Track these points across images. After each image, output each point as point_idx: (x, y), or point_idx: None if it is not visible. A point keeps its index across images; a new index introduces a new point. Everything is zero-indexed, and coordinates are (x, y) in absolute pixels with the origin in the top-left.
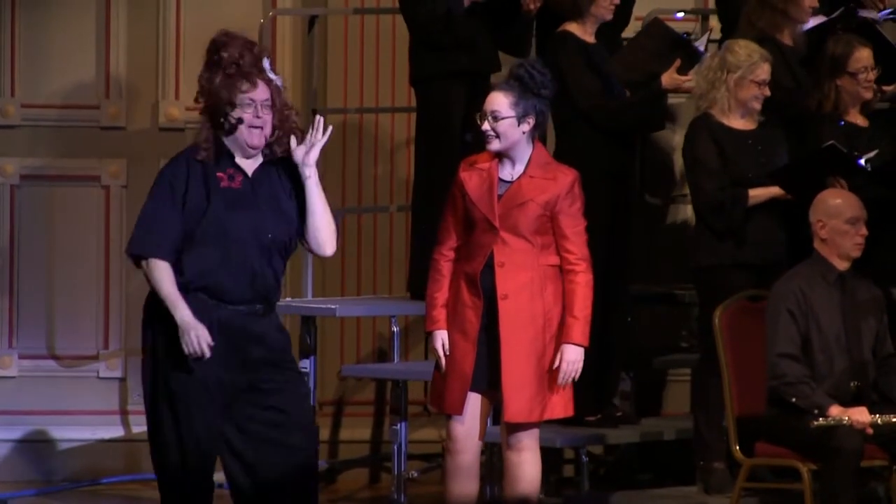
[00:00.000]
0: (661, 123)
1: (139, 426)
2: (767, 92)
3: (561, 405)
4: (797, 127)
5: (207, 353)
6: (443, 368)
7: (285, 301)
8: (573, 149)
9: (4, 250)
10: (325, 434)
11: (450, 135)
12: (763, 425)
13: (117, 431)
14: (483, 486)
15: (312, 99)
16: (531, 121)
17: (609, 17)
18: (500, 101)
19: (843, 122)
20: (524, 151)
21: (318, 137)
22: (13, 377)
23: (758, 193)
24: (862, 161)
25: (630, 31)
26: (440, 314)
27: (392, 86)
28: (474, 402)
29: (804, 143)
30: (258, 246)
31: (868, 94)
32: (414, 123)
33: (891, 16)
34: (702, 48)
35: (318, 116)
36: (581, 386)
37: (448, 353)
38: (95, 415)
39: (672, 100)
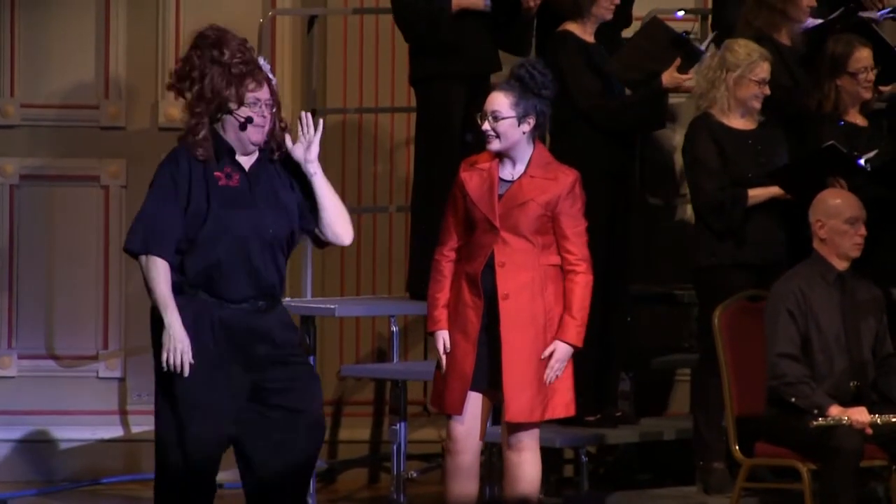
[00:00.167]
0: (661, 123)
1: (139, 426)
2: (767, 91)
3: (562, 405)
4: (797, 127)
5: (186, 372)
6: (443, 368)
7: (285, 301)
8: (573, 149)
9: (4, 250)
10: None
11: (449, 135)
12: (763, 425)
13: (117, 431)
14: (483, 486)
15: (312, 99)
16: (531, 121)
17: (609, 16)
18: (500, 102)
19: (842, 122)
20: (525, 151)
21: (313, 133)
22: (12, 377)
23: (757, 193)
24: (862, 161)
25: (630, 31)
26: (441, 314)
27: (391, 86)
28: (474, 402)
29: (804, 143)
30: (259, 242)
31: (867, 94)
32: (413, 123)
33: (890, 15)
34: (702, 48)
35: (303, 113)
36: (581, 386)
37: (449, 353)
38: (95, 415)
39: (672, 99)
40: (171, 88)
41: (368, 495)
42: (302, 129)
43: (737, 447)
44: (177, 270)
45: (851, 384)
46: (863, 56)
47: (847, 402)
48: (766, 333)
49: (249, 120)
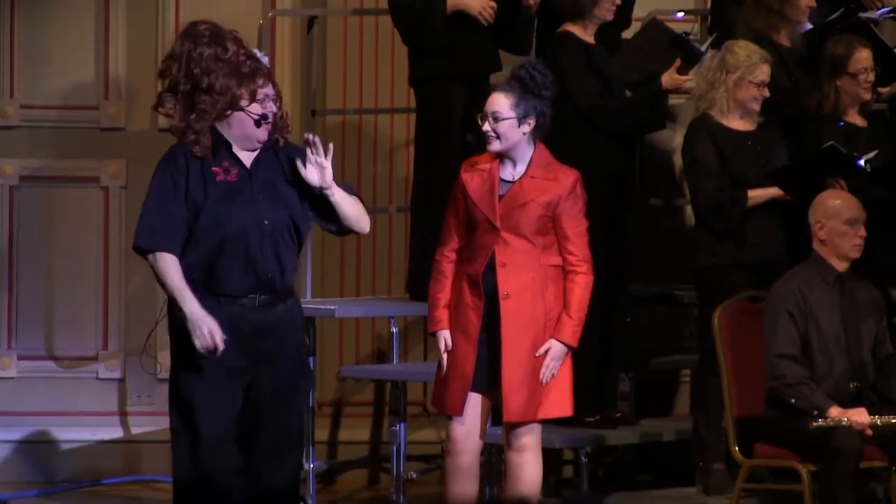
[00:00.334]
0: (661, 124)
1: (138, 427)
2: (766, 93)
3: (558, 404)
4: (796, 127)
5: (221, 347)
6: (444, 369)
7: None
8: (573, 149)
9: (4, 251)
10: (324, 435)
11: (449, 135)
12: (762, 426)
13: (117, 432)
14: (482, 486)
15: (311, 100)
16: (532, 122)
17: (610, 17)
18: (500, 102)
19: (842, 123)
20: (525, 152)
21: (323, 156)
22: (12, 378)
23: (757, 194)
24: (861, 161)
25: (630, 32)
26: (443, 314)
27: (391, 87)
28: (475, 402)
29: (803, 144)
30: (259, 235)
31: (867, 95)
32: (413, 124)
33: (890, 14)
34: (702, 49)
35: (310, 136)
36: (581, 387)
37: (449, 353)
38: (95, 416)
39: (672, 100)
40: (166, 85)
41: (368, 496)
42: (311, 152)
43: (736, 448)
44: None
45: (851, 385)
46: (863, 57)
47: (847, 404)
48: (765, 334)
49: (264, 118)
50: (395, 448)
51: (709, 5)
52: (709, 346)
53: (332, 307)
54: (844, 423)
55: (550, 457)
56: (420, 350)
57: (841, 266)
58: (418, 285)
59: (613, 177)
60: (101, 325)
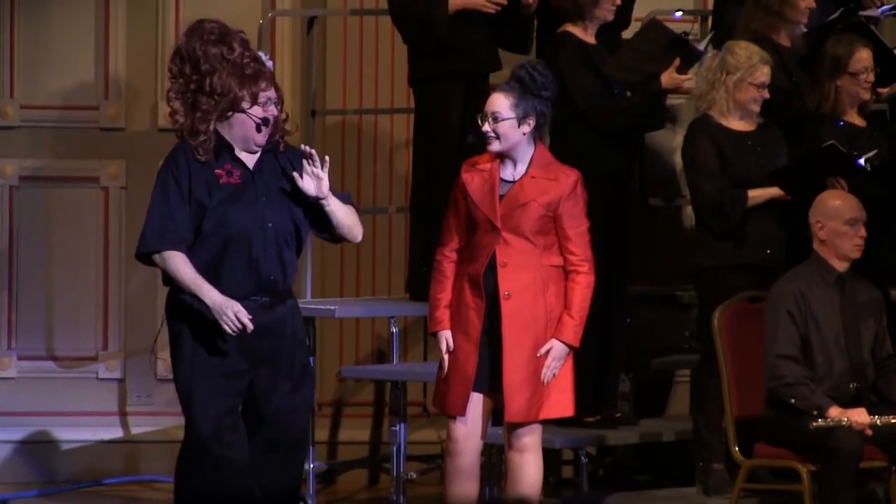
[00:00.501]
0: (660, 124)
1: (138, 427)
2: (766, 94)
3: (559, 405)
4: (796, 127)
5: (250, 326)
6: (445, 369)
7: None
8: (573, 149)
9: (4, 251)
10: (324, 435)
11: (448, 136)
12: (762, 426)
13: (116, 433)
14: (482, 487)
15: (311, 100)
16: (532, 122)
17: (611, 18)
18: (500, 103)
19: (842, 123)
20: (525, 152)
21: (320, 168)
22: (12, 378)
23: (757, 194)
24: (861, 161)
25: (629, 33)
26: (444, 314)
27: (391, 87)
28: (476, 402)
29: (803, 144)
30: (262, 237)
31: (867, 95)
32: (412, 124)
33: (892, 12)
34: (702, 48)
35: (305, 148)
36: (581, 387)
37: (451, 354)
38: (95, 416)
39: (672, 100)
40: (175, 84)
41: (368, 496)
42: (308, 164)
43: (736, 448)
44: None
45: (851, 385)
46: (863, 57)
47: (846, 404)
48: (765, 334)
49: (266, 122)
50: (395, 448)
51: (709, 5)
52: (709, 347)
53: (332, 307)
54: (844, 423)
55: (550, 457)
56: (420, 350)
57: (841, 266)
58: (418, 285)
59: (613, 177)
60: (101, 325)
